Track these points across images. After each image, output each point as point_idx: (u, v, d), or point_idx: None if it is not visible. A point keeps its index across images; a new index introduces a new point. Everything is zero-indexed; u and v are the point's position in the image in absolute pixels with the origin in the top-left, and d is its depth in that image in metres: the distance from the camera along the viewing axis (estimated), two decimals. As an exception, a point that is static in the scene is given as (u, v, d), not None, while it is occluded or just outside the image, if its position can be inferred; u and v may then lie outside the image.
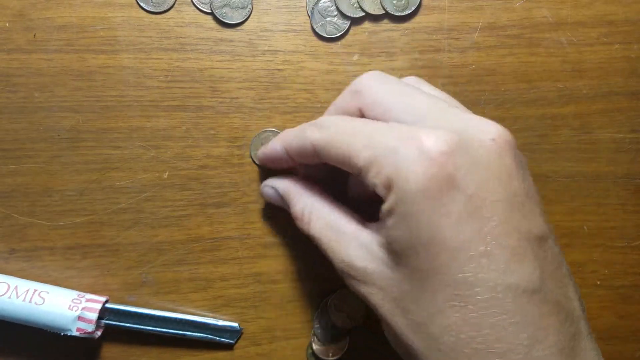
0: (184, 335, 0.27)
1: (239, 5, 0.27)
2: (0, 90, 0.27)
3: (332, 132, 0.21)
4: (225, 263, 0.28)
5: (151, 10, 0.27)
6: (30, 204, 0.27)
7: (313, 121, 0.23)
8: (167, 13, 0.27)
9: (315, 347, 0.27)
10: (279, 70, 0.28)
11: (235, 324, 0.27)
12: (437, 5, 0.28)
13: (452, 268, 0.17)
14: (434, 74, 0.28)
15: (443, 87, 0.28)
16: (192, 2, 0.27)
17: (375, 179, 0.19)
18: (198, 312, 0.27)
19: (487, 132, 0.19)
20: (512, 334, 0.17)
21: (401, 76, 0.28)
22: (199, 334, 0.27)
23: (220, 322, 0.27)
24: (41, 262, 0.27)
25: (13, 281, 0.25)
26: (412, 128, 0.19)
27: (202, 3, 0.27)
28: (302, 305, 0.28)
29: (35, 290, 0.25)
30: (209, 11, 0.27)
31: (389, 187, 0.18)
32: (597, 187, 0.29)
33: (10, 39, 0.27)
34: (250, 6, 0.28)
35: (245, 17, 0.28)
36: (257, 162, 0.27)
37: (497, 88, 0.28)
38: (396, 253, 0.19)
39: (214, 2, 0.27)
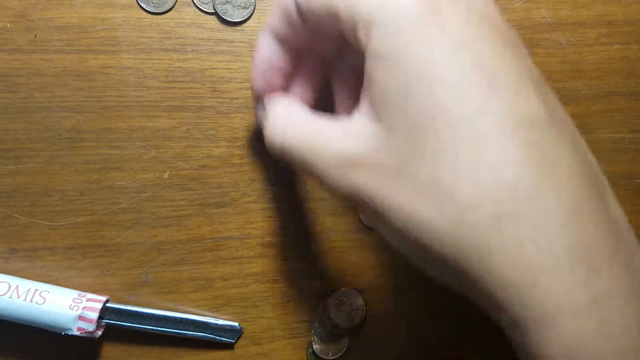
0: (185, 334, 0.27)
1: (242, 5, 0.27)
2: (1, 90, 0.27)
3: None
4: (225, 263, 0.28)
5: (151, 10, 0.27)
6: (31, 204, 0.27)
7: None
8: (167, 14, 0.27)
9: (315, 346, 0.28)
10: (279, 70, 0.28)
11: (236, 324, 0.27)
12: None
13: (455, 102, 0.15)
14: (433, 74, 0.28)
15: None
16: (193, 1, 0.27)
17: (357, 16, 0.17)
18: (198, 311, 0.27)
19: None
20: (531, 170, 0.15)
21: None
22: (199, 334, 0.27)
23: (221, 322, 0.27)
24: (42, 262, 0.27)
25: (14, 281, 0.25)
26: None
27: (203, 3, 0.27)
28: (302, 305, 0.28)
29: (36, 290, 0.25)
30: (210, 11, 0.28)
31: (373, 23, 0.17)
32: (596, 187, 0.29)
33: (11, 39, 0.27)
34: (252, 7, 0.28)
35: (247, 17, 0.28)
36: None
37: (496, 88, 0.28)
38: (388, 111, 0.17)
39: (218, 6, 0.27)
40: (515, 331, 0.16)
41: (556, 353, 0.15)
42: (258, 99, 0.23)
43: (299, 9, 0.20)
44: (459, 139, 0.15)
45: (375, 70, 0.17)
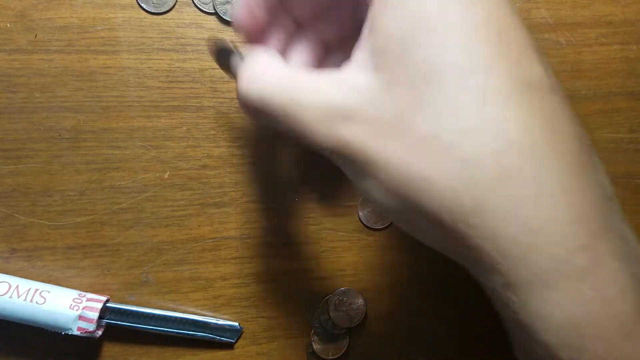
0: (185, 334, 0.27)
1: None
2: (2, 90, 0.27)
3: None
4: (225, 263, 0.28)
5: (152, 11, 0.27)
6: (31, 203, 0.27)
7: None
8: (167, 14, 0.27)
9: (315, 346, 0.28)
10: (279, 70, 0.28)
11: (236, 323, 0.27)
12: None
13: (462, 54, 0.15)
14: (433, 75, 0.28)
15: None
16: (193, 1, 0.28)
17: None
18: (198, 311, 0.27)
19: None
20: (534, 130, 0.15)
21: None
22: (200, 333, 0.27)
23: (221, 322, 0.27)
24: (42, 262, 0.27)
25: (14, 281, 0.25)
26: None
27: (203, 3, 0.28)
28: (302, 305, 0.28)
29: (37, 290, 0.25)
30: (210, 11, 0.28)
31: None
32: (596, 187, 0.29)
33: (12, 40, 0.27)
34: None
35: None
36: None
37: (496, 88, 0.29)
38: (389, 58, 0.16)
39: (218, 6, 0.27)
40: (510, 295, 0.15)
41: (558, 317, 0.14)
42: (229, 46, 0.22)
43: None
44: (464, 93, 0.15)
45: (380, 14, 0.16)
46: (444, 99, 0.15)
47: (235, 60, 0.22)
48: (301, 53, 0.22)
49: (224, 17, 0.27)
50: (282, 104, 0.17)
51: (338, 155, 0.17)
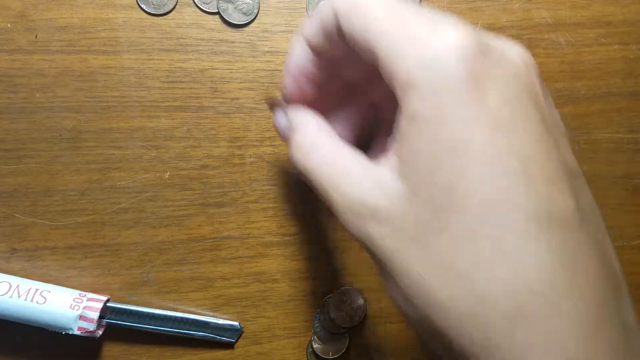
0: (185, 334, 0.27)
1: (244, 10, 0.27)
2: (2, 90, 0.27)
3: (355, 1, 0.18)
4: (225, 262, 0.28)
5: (151, 12, 0.27)
6: (32, 203, 0.27)
7: None
8: (168, 14, 0.28)
9: (315, 346, 0.28)
10: (280, 70, 0.28)
11: (236, 323, 0.27)
12: (436, 7, 0.29)
13: (484, 184, 0.15)
14: (433, 75, 0.28)
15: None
16: (194, 1, 0.28)
17: (396, 69, 0.16)
18: (199, 311, 0.28)
19: (513, 48, 0.17)
20: (551, 270, 0.14)
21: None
22: (200, 333, 0.27)
23: (221, 321, 0.27)
24: (42, 262, 0.27)
25: (15, 280, 0.25)
26: (443, 19, 0.16)
27: (204, 3, 0.28)
28: (302, 304, 0.28)
29: (37, 290, 0.25)
30: (210, 11, 0.28)
31: (412, 84, 0.16)
32: (595, 187, 0.29)
33: (12, 40, 0.27)
34: (253, 16, 0.28)
35: (245, 22, 0.28)
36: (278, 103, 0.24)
37: (496, 88, 0.29)
38: (415, 173, 0.16)
39: (220, 2, 0.27)
40: None
41: None
42: (281, 103, 0.23)
43: (338, 27, 0.18)
44: (483, 225, 0.15)
45: (408, 129, 0.16)
46: (463, 228, 0.15)
47: (282, 117, 0.23)
48: (347, 120, 0.23)
49: (223, 14, 0.27)
50: (322, 184, 0.18)
51: (366, 248, 0.18)
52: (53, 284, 0.26)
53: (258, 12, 0.28)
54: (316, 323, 0.28)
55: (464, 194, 0.15)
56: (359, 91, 0.23)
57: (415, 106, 0.16)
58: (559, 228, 0.15)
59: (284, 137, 0.22)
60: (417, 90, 0.16)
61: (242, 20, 0.28)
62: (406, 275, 0.16)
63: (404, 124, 0.16)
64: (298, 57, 0.21)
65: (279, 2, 0.28)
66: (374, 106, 0.23)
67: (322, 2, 0.20)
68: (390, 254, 0.16)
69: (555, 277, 0.14)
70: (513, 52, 0.17)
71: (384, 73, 0.17)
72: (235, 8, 0.27)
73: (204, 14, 0.28)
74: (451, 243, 0.15)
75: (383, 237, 0.16)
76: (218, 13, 0.28)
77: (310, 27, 0.20)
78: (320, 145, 0.19)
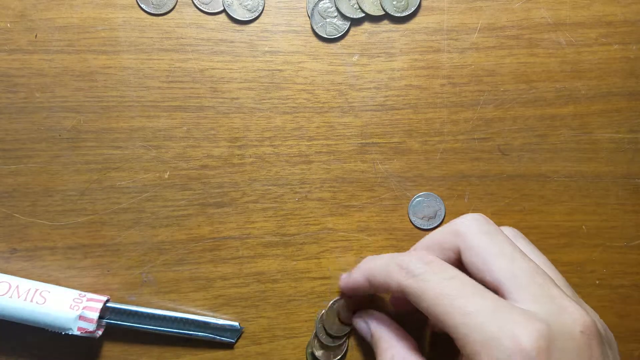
0: (185, 334, 0.27)
1: (249, 7, 0.27)
2: (2, 90, 0.27)
3: (424, 286, 0.21)
4: (225, 262, 0.28)
5: (151, 12, 0.27)
6: (31, 203, 0.27)
7: (400, 258, 0.23)
8: (167, 14, 0.28)
9: (315, 346, 0.28)
10: (279, 70, 0.28)
11: (236, 323, 0.27)
12: (436, 6, 0.28)
13: None
14: (433, 75, 0.28)
15: (442, 88, 0.28)
16: (193, 2, 0.28)
17: (463, 340, 0.19)
18: (199, 311, 0.28)
19: (577, 322, 0.19)
20: None
21: (401, 76, 0.28)
22: (200, 333, 0.27)
23: (221, 321, 0.27)
24: (42, 262, 0.27)
25: (14, 281, 0.25)
26: (511, 314, 0.19)
27: (203, 3, 0.28)
28: (302, 305, 0.28)
29: (37, 290, 0.25)
30: (210, 11, 0.28)
31: (477, 354, 0.19)
32: (596, 187, 0.29)
33: (12, 40, 0.27)
34: (258, 13, 0.28)
35: (249, 19, 0.28)
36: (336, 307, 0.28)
37: (496, 88, 0.29)
38: None
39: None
40: None
41: None
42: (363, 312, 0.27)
43: (402, 290, 0.22)
44: None
45: None
46: None
47: (362, 322, 0.27)
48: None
49: (227, 10, 0.27)
50: None
51: None
52: (53, 284, 0.26)
53: (263, 10, 0.28)
54: (318, 324, 0.28)
55: None
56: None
57: None
58: None
59: (366, 339, 0.26)
60: None
61: (246, 16, 0.28)
62: None
63: None
64: (359, 286, 0.25)
65: (279, 2, 0.28)
66: None
67: (388, 261, 0.24)
68: None
69: None
70: (576, 327, 0.19)
71: (459, 345, 0.20)
72: (240, 4, 0.27)
73: (204, 14, 0.28)
74: None
75: None
76: (218, 13, 0.28)
77: (374, 279, 0.24)
78: None
